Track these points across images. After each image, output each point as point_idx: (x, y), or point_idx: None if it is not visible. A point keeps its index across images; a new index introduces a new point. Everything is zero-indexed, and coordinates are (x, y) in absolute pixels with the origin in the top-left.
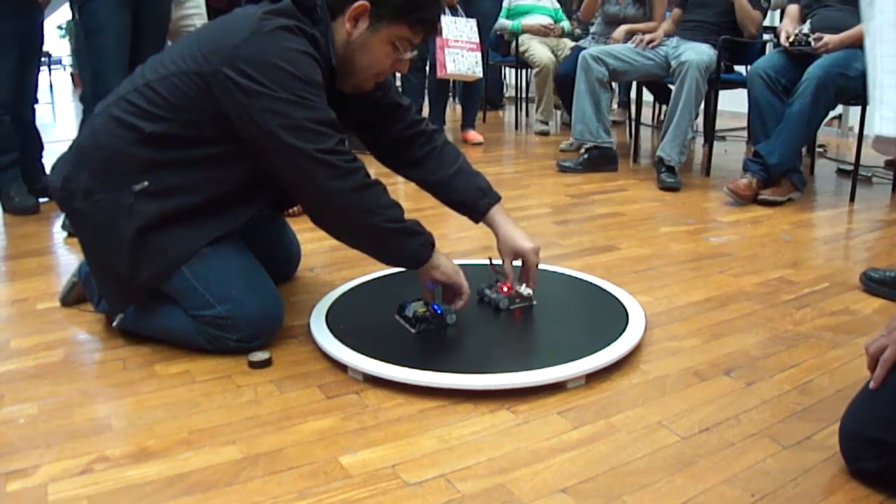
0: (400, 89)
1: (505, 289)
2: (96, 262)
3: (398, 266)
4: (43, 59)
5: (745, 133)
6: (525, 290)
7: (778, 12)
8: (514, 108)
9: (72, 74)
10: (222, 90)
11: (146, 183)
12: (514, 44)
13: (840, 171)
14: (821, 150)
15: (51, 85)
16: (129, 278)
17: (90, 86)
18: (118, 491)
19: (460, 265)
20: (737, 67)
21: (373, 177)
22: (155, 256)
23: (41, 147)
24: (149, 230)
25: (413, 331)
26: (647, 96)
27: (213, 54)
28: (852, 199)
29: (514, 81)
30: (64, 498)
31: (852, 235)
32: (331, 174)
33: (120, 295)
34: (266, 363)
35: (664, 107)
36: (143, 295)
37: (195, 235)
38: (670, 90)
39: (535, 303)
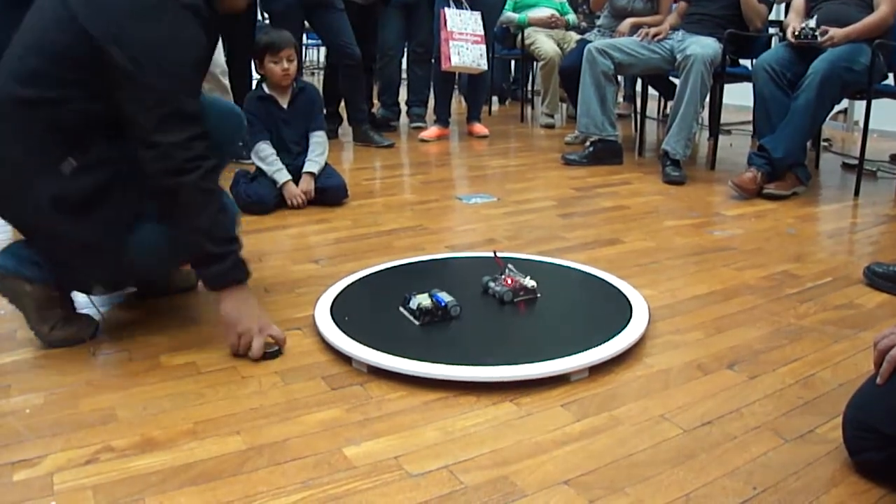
0: (406, 81)
1: (509, 281)
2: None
3: (198, 269)
4: None
5: (750, 127)
6: (529, 282)
7: (783, 6)
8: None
9: None
10: (103, 61)
11: (73, 161)
12: (519, 37)
13: (845, 166)
14: (826, 144)
15: None
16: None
17: None
18: (123, 481)
19: (465, 258)
20: (742, 61)
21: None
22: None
23: None
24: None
25: (417, 323)
26: (653, 89)
27: (97, 16)
28: (857, 193)
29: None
30: (69, 488)
31: (856, 230)
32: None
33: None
34: (275, 354)
35: (669, 101)
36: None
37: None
38: (675, 86)
39: (539, 296)
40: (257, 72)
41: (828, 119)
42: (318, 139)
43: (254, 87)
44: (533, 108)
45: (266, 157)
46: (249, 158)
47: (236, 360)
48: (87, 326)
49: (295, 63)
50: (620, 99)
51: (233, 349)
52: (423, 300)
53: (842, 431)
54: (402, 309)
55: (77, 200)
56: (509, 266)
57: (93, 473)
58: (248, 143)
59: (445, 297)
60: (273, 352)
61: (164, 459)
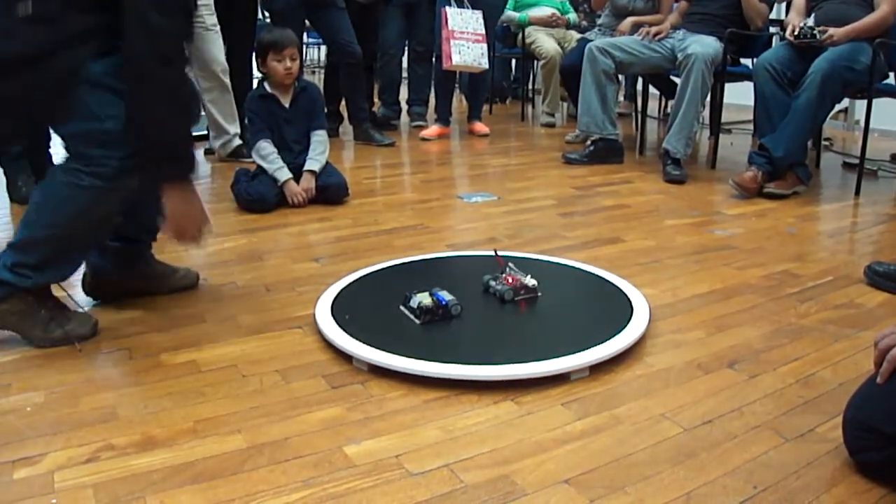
0: (407, 80)
1: (510, 280)
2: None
3: (150, 160)
4: None
5: (750, 126)
6: (530, 281)
7: (784, 5)
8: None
9: None
10: None
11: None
12: (520, 35)
13: (846, 165)
14: (826, 143)
15: None
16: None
17: None
18: (124, 479)
19: (465, 256)
20: (743, 60)
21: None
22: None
23: (49, 137)
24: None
25: (418, 322)
26: (654, 88)
27: None
28: (857, 192)
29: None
30: (70, 486)
31: (857, 229)
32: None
33: None
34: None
35: (670, 100)
36: None
37: None
38: (675, 85)
39: (539, 294)
40: (259, 70)
41: (828, 118)
42: (319, 138)
43: (254, 85)
44: (533, 106)
45: (267, 155)
46: (250, 157)
47: (237, 358)
48: (83, 323)
49: (298, 62)
50: (621, 98)
51: (177, 240)
52: (423, 299)
53: (842, 431)
54: (402, 308)
55: (14, 54)
56: (510, 265)
57: (93, 472)
58: (249, 141)
59: (446, 295)
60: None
61: (165, 458)
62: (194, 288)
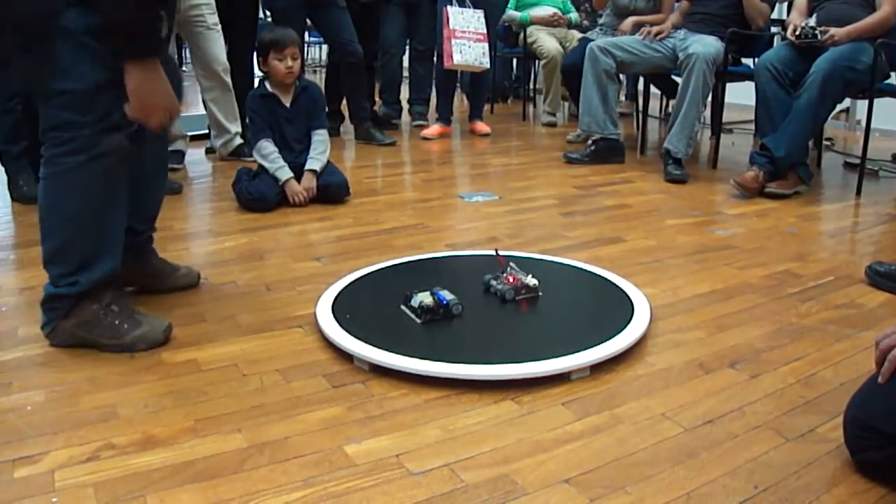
0: (408, 79)
1: (510, 279)
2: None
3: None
4: None
5: (752, 126)
6: (531, 280)
7: (786, 5)
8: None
9: None
10: None
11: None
12: (521, 35)
13: (847, 165)
14: (828, 143)
15: None
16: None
17: None
18: (124, 478)
19: (466, 256)
20: (744, 60)
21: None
22: None
23: None
24: None
25: (419, 321)
26: (655, 88)
27: None
28: (859, 192)
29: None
30: (70, 485)
31: (858, 229)
32: None
33: None
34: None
35: (671, 100)
36: None
37: None
38: (677, 85)
39: (540, 294)
40: (260, 69)
41: (829, 118)
42: (320, 137)
43: (256, 85)
44: (535, 106)
45: (268, 154)
46: (251, 156)
47: (238, 357)
48: (156, 327)
49: (299, 61)
50: (622, 98)
51: (142, 122)
52: (424, 298)
53: (843, 430)
54: (403, 307)
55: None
56: (511, 264)
57: (94, 471)
58: (251, 140)
59: (447, 295)
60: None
61: (166, 457)
62: (195, 287)
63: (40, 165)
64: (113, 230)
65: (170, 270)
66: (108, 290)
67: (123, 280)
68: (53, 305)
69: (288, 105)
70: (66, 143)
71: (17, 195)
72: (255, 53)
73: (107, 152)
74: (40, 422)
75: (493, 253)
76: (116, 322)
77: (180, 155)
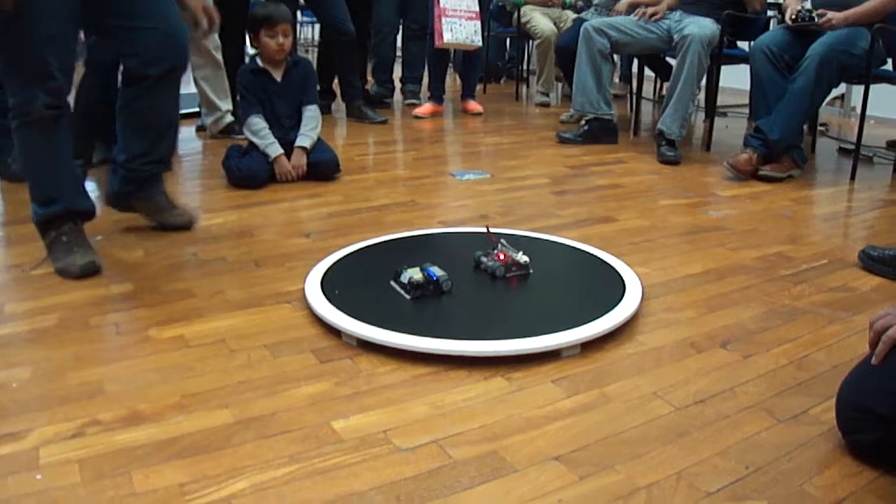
0: (401, 58)
1: (502, 256)
2: None
3: None
4: None
5: (746, 110)
6: (522, 257)
7: None
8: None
9: None
10: None
11: None
12: (515, 15)
13: (841, 151)
14: (822, 128)
15: None
16: None
17: (90, 49)
18: (109, 454)
19: (457, 233)
20: (740, 43)
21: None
22: None
23: None
24: None
25: (408, 297)
26: (650, 70)
27: None
28: (853, 177)
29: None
30: (55, 461)
31: (852, 214)
32: None
33: None
34: None
35: (665, 83)
36: None
37: None
38: (671, 67)
39: (531, 271)
40: (252, 45)
41: (824, 104)
42: (311, 113)
43: (247, 60)
44: (528, 86)
45: (258, 130)
46: (242, 134)
47: (225, 332)
48: (86, 257)
49: (290, 38)
50: (616, 79)
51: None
52: (414, 274)
53: (835, 412)
54: (393, 283)
55: None
56: (502, 241)
57: (79, 447)
58: (241, 116)
59: (437, 271)
60: None
61: (151, 433)
62: (187, 230)
63: None
64: (58, 180)
65: (167, 207)
66: (65, 223)
67: (130, 200)
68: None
69: (279, 80)
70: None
71: (5, 173)
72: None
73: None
74: (25, 398)
75: (484, 230)
76: (58, 250)
77: None
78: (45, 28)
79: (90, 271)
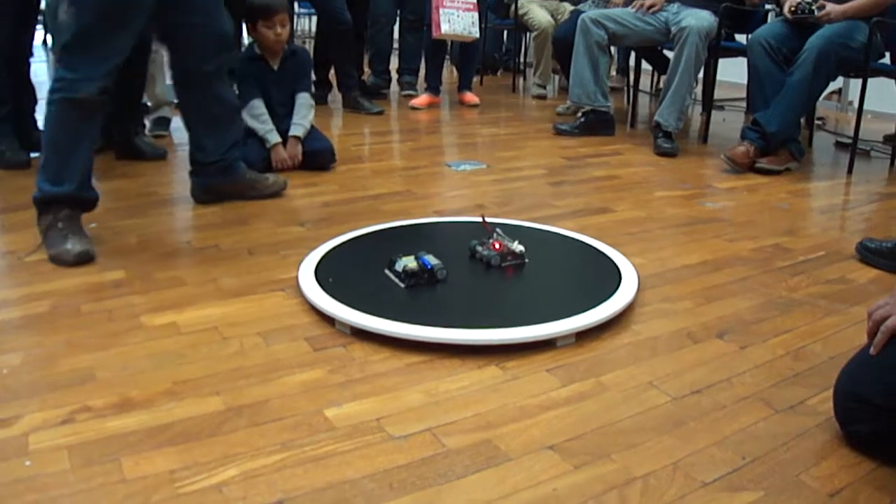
0: (398, 49)
1: (497, 245)
2: None
3: None
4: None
5: (743, 104)
6: (517, 247)
7: None
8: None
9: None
10: None
11: None
12: (513, 6)
13: (838, 144)
14: (819, 122)
15: (45, 41)
16: None
17: None
18: (99, 441)
19: (453, 222)
20: (738, 36)
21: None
22: None
23: (35, 101)
24: None
25: (403, 286)
26: (647, 64)
27: None
28: (850, 171)
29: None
30: (44, 448)
31: (849, 207)
32: None
33: None
34: None
35: (662, 76)
36: None
37: None
38: (668, 60)
39: (527, 261)
40: (249, 35)
41: (822, 98)
42: (303, 101)
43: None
44: (525, 78)
45: (259, 115)
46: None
47: (218, 320)
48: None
49: (288, 28)
50: (613, 72)
51: None
52: (409, 262)
53: (833, 402)
54: (387, 271)
55: None
56: (497, 230)
57: (69, 433)
58: (241, 100)
59: (432, 259)
60: None
61: (142, 419)
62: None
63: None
64: (77, 163)
65: (257, 179)
66: (65, 208)
67: (221, 189)
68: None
69: (275, 68)
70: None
71: (0, 162)
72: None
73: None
74: (16, 384)
75: (480, 219)
76: (53, 236)
77: (166, 122)
78: (136, 23)
79: (84, 259)
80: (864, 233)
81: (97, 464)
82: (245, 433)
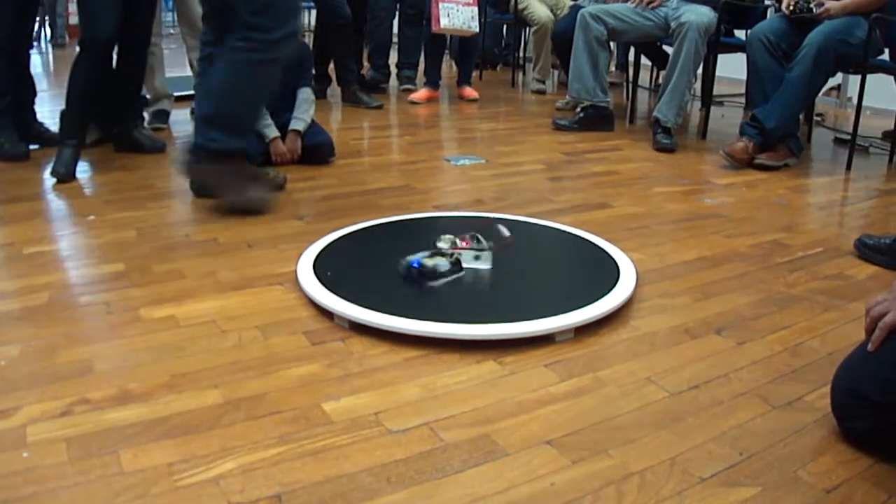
0: (397, 43)
1: (463, 244)
2: None
3: None
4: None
5: (742, 100)
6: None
7: None
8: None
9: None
10: None
11: None
12: (512, 1)
13: (837, 141)
14: (818, 118)
15: (45, 33)
16: None
17: (84, 29)
18: (98, 433)
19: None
20: (737, 32)
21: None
22: None
23: (34, 93)
24: None
25: (435, 284)
26: (646, 59)
27: None
28: (849, 167)
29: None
30: (43, 440)
31: (848, 203)
32: None
33: None
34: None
35: (661, 71)
36: None
37: None
38: (667, 56)
39: (461, 274)
40: None
41: (821, 94)
42: (304, 96)
43: None
44: (524, 73)
45: None
46: None
47: (217, 313)
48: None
49: None
50: (613, 67)
51: None
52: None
53: (830, 398)
54: (407, 272)
55: None
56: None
57: (67, 426)
58: None
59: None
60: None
61: (140, 412)
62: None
63: (230, 49)
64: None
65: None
66: (244, 160)
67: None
68: (197, 153)
69: None
70: (259, 40)
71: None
72: None
73: (283, 58)
74: (14, 376)
75: (478, 215)
76: (238, 181)
77: (165, 115)
78: None
79: (270, 204)
80: (862, 229)
81: (95, 456)
82: (243, 426)
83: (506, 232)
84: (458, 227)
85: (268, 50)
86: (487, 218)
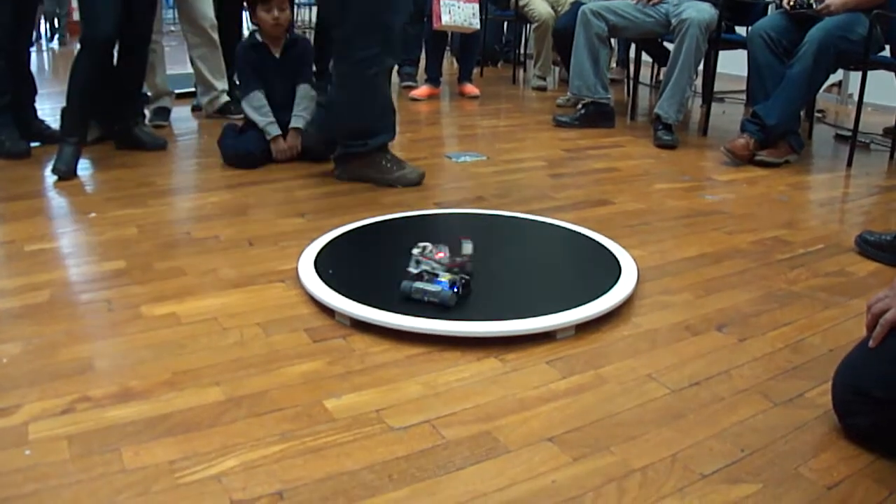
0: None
1: (439, 255)
2: None
3: None
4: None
5: (743, 96)
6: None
7: None
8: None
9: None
10: None
11: None
12: None
13: (838, 137)
14: (819, 115)
15: (47, 31)
16: None
17: (85, 26)
18: (99, 431)
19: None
20: (738, 29)
21: None
22: None
23: (34, 91)
24: None
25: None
26: (647, 56)
27: None
28: (850, 164)
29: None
30: (44, 437)
31: (849, 199)
32: None
33: None
34: None
35: (662, 68)
36: None
37: None
38: (668, 52)
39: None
40: (251, 21)
41: (822, 91)
42: (304, 92)
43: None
44: (525, 70)
45: (260, 106)
46: (237, 114)
47: (218, 311)
48: (413, 171)
49: (287, 12)
50: (613, 64)
51: None
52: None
53: (831, 395)
54: (420, 291)
55: None
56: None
57: (68, 423)
58: (242, 91)
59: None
60: None
61: (142, 410)
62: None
63: (341, 70)
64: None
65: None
66: (384, 148)
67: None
68: (346, 158)
69: (277, 56)
70: (367, 58)
71: (1, 152)
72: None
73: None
74: (15, 374)
75: (478, 212)
76: (387, 165)
77: (166, 112)
78: None
79: (422, 178)
80: (863, 225)
81: (97, 454)
82: (245, 424)
83: (468, 249)
84: (459, 224)
85: (375, 64)
86: (484, 216)
